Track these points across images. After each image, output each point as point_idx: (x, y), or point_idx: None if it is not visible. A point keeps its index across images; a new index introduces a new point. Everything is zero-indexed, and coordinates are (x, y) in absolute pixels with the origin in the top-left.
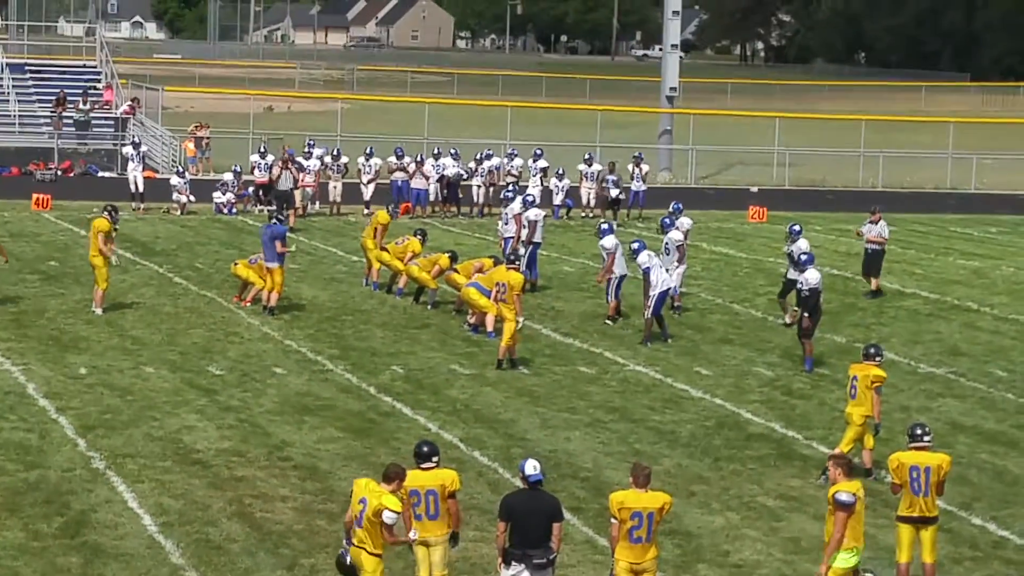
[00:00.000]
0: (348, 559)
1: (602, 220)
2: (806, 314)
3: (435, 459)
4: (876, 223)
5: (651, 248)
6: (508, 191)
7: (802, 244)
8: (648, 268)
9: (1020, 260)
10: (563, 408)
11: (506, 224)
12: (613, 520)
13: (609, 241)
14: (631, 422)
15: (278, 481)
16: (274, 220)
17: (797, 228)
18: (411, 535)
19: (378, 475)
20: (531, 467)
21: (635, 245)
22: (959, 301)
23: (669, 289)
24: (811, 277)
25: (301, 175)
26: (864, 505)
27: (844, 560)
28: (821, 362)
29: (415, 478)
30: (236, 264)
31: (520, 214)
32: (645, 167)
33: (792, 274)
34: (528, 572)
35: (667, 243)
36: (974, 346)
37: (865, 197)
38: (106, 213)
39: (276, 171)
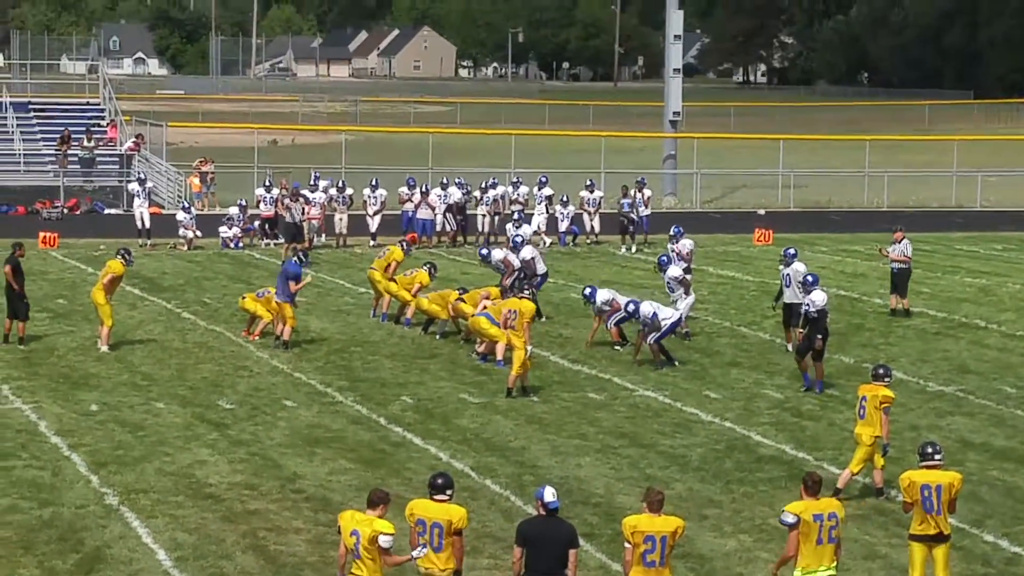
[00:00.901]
0: None
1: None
2: (818, 336)
3: (449, 492)
4: (899, 242)
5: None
6: (515, 218)
7: (800, 267)
8: (637, 304)
9: None
10: (573, 435)
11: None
12: (627, 545)
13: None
14: (642, 447)
15: (291, 513)
16: (295, 258)
17: (792, 251)
18: (417, 551)
19: (386, 505)
20: (550, 494)
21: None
22: (967, 319)
23: (680, 317)
24: (817, 298)
25: (307, 208)
26: (837, 526)
27: None
28: (830, 383)
29: (425, 508)
30: (244, 298)
31: (507, 258)
32: (648, 192)
33: (789, 297)
34: None
35: (668, 281)
36: (982, 363)
37: (871, 217)
38: (120, 257)
39: (280, 206)
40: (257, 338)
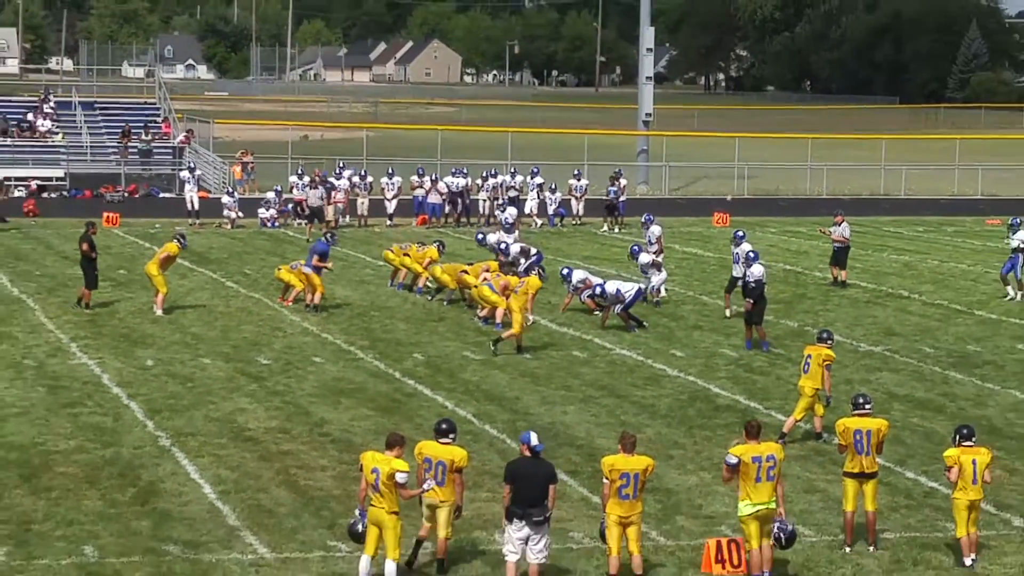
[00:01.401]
0: (360, 527)
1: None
2: (751, 301)
3: (452, 436)
4: (839, 224)
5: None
6: (500, 203)
7: (746, 246)
8: (603, 285)
9: (943, 254)
10: (560, 387)
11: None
12: (605, 480)
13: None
14: (618, 397)
15: (318, 453)
16: (324, 237)
17: (741, 233)
18: (425, 485)
19: (402, 447)
20: (535, 438)
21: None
22: (892, 290)
23: (639, 289)
24: (756, 271)
25: (333, 193)
26: (775, 466)
27: (740, 508)
28: (776, 343)
29: (432, 448)
30: (279, 269)
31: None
32: (623, 181)
33: (737, 272)
34: (528, 527)
35: (641, 267)
36: (906, 327)
37: (813, 204)
38: (176, 240)
39: (309, 191)
40: (290, 304)
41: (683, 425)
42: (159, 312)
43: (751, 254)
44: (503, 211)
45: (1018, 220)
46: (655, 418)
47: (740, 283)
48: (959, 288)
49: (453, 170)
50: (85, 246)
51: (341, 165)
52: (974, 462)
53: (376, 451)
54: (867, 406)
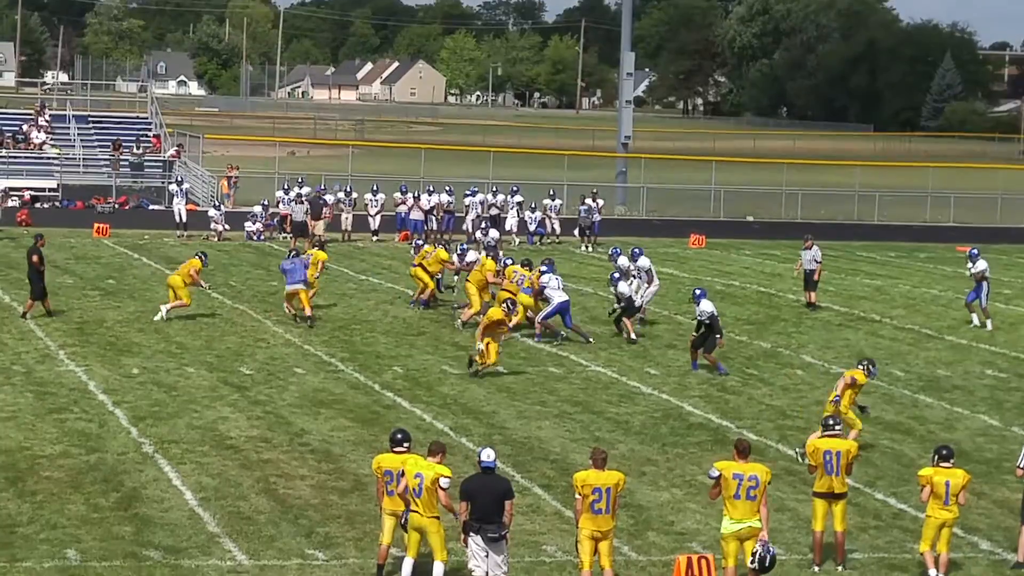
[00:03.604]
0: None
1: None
2: (718, 336)
3: (406, 444)
4: (809, 249)
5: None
6: (483, 226)
7: (644, 262)
8: (544, 287)
9: (915, 279)
10: (536, 402)
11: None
12: (577, 495)
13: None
14: (592, 413)
15: (298, 463)
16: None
17: (638, 250)
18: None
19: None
20: (486, 455)
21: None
22: (864, 313)
23: (566, 302)
24: (706, 308)
25: (326, 209)
26: (757, 486)
27: (723, 526)
28: (749, 364)
29: (389, 460)
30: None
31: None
32: (601, 201)
33: (625, 288)
34: (484, 543)
35: (618, 294)
36: (877, 351)
37: (786, 227)
38: (199, 256)
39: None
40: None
41: (656, 442)
42: (163, 314)
43: (697, 291)
44: (485, 233)
45: (975, 251)
46: (629, 435)
47: (697, 321)
48: (930, 313)
49: (429, 188)
50: (35, 258)
51: (322, 187)
52: (947, 483)
53: (420, 456)
54: (837, 427)
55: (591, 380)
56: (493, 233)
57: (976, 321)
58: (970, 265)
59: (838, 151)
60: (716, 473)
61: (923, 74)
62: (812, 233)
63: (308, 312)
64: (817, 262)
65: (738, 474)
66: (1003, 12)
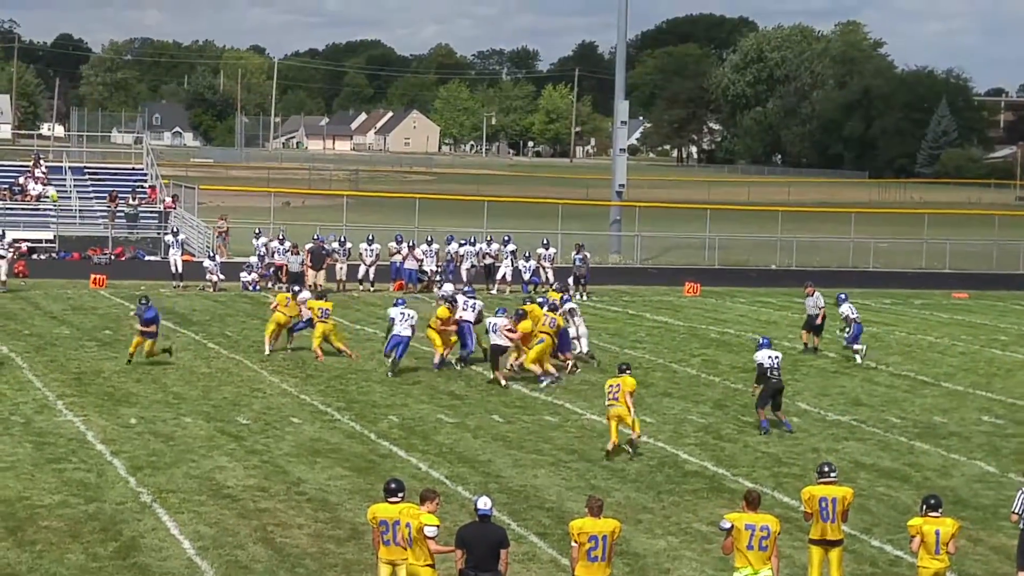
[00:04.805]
0: None
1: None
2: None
3: (400, 495)
4: (811, 295)
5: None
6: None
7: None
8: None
9: (911, 326)
10: (531, 451)
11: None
12: (573, 543)
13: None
14: (588, 462)
15: (295, 512)
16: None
17: (567, 297)
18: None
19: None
20: (482, 503)
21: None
22: (860, 360)
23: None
24: (766, 356)
25: (327, 259)
26: (768, 536)
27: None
28: (745, 412)
29: (385, 510)
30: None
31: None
32: (587, 254)
33: (584, 345)
34: None
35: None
36: (873, 398)
37: (781, 275)
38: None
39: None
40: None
41: (652, 490)
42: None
43: (762, 339)
44: (440, 287)
45: (843, 295)
46: (624, 483)
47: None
48: (926, 360)
49: (428, 238)
50: None
51: (318, 236)
52: (937, 532)
53: (413, 504)
54: (832, 474)
55: (586, 428)
56: (447, 287)
57: (859, 360)
58: (838, 308)
59: (832, 198)
60: (728, 525)
61: (918, 121)
62: (803, 281)
63: (343, 348)
64: (819, 307)
65: (750, 525)
66: (998, 58)
